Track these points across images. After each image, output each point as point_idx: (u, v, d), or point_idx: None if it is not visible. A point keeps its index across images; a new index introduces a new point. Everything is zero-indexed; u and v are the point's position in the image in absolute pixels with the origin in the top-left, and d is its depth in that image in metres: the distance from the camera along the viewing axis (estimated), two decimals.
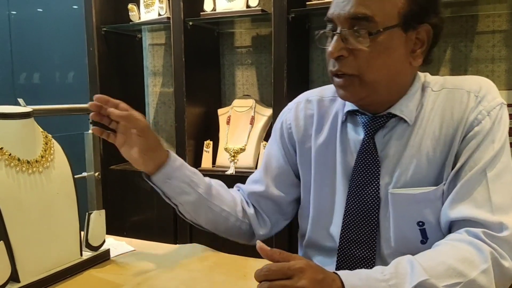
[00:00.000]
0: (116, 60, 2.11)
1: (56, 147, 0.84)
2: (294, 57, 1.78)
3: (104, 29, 2.03)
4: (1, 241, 0.70)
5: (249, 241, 0.97)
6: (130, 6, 2.03)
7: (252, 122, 1.89)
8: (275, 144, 0.95)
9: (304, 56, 1.94)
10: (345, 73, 0.75)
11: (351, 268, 0.80)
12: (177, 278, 0.81)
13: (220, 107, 2.06)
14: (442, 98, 0.78)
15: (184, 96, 1.88)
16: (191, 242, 1.05)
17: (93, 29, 2.00)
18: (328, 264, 0.84)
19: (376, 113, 0.80)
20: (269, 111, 1.89)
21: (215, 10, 1.87)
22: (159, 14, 1.96)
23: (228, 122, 1.96)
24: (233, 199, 0.94)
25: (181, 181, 0.86)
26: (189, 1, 1.87)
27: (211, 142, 1.94)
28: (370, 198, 0.79)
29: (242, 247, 0.97)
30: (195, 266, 0.87)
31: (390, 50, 0.74)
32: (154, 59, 2.29)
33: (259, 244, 0.63)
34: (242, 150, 1.88)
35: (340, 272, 0.63)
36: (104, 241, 0.91)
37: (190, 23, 1.88)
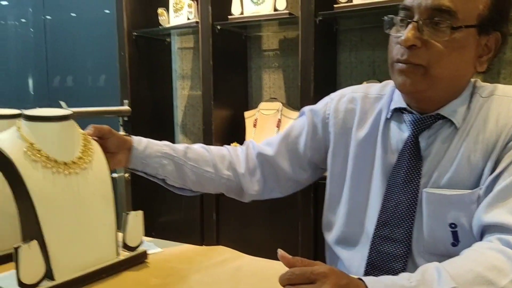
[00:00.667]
0: (146, 64, 2.16)
1: (96, 148, 0.85)
2: (321, 59, 1.78)
3: (135, 33, 2.08)
4: (35, 240, 0.72)
5: (239, 197, 1.02)
6: (159, 11, 2.07)
7: (278, 125, 1.90)
8: (304, 123, 0.96)
9: (331, 58, 1.93)
10: (411, 63, 0.75)
11: (382, 265, 0.80)
12: (203, 280, 0.82)
13: (247, 110, 2.07)
14: (490, 104, 0.77)
15: (211, 99, 1.91)
16: (217, 243, 1.07)
17: (124, 34, 2.05)
18: (357, 260, 0.84)
19: (423, 112, 0.80)
20: (296, 114, 1.89)
21: (242, 14, 1.89)
22: (188, 19, 1.99)
23: (254, 125, 1.97)
24: (216, 160, 0.98)
25: (155, 157, 0.92)
26: (218, 5, 1.90)
27: (238, 145, 1.96)
28: (409, 197, 0.79)
29: (268, 251, 0.98)
30: (221, 268, 0.88)
31: (463, 50, 0.74)
32: (182, 63, 2.32)
33: (280, 252, 0.64)
34: None
35: (365, 278, 0.63)
36: (141, 242, 0.91)
37: (218, 27, 1.90)
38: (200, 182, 0.97)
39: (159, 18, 2.08)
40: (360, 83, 1.80)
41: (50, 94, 3.23)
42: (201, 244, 1.31)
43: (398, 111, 0.83)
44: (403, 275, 0.64)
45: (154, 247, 0.99)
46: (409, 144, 0.80)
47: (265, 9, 1.83)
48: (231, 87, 2.05)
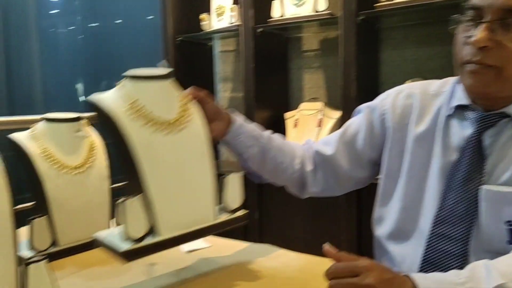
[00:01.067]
0: (189, 68, 2.22)
1: (194, 109, 0.85)
2: (363, 59, 1.77)
3: (179, 38, 2.15)
4: (140, 195, 0.75)
5: (300, 193, 1.04)
6: (202, 16, 2.13)
7: (320, 124, 1.90)
8: (362, 120, 0.96)
9: (373, 57, 1.92)
10: (484, 63, 0.75)
11: (439, 262, 0.79)
12: (250, 275, 0.85)
13: (288, 110, 2.09)
14: None
15: (253, 100, 1.94)
16: (260, 241, 1.09)
17: (169, 39, 2.12)
18: (410, 256, 0.84)
19: (488, 110, 0.79)
20: (337, 114, 1.89)
21: (283, 16, 1.91)
22: (230, 22, 2.03)
23: (295, 125, 1.99)
24: (292, 153, 0.99)
25: (247, 136, 0.94)
26: (259, 8, 1.93)
27: None
28: (469, 195, 0.78)
29: (311, 250, 1.00)
30: (267, 264, 0.90)
31: None
32: (224, 66, 2.38)
33: (325, 247, 0.66)
34: None
35: (413, 275, 0.64)
36: (241, 205, 0.89)
37: (259, 29, 1.93)
38: (275, 171, 0.99)
39: (201, 23, 2.14)
40: (404, 81, 1.78)
41: None
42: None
43: (460, 108, 0.82)
44: (452, 272, 0.64)
45: (202, 243, 1.03)
46: (472, 141, 0.79)
47: (306, 11, 1.85)
48: (272, 88, 2.08)
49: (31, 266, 0.69)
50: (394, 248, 0.88)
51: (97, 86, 3.42)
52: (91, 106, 0.76)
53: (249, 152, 0.95)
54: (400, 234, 0.87)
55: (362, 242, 1.69)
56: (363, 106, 0.98)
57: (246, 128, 0.95)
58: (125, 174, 0.78)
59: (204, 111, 0.85)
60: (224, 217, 0.85)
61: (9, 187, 0.69)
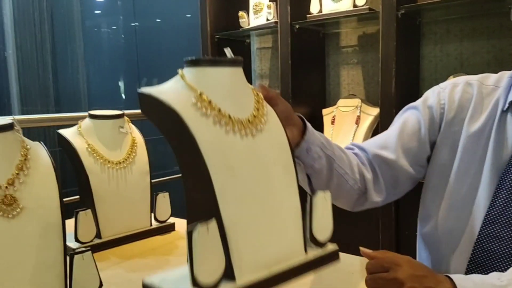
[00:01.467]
0: None
1: (268, 107, 0.67)
2: (403, 54, 1.73)
3: (217, 36, 2.17)
4: (214, 220, 0.52)
5: (356, 206, 0.91)
6: (240, 13, 2.14)
7: (357, 121, 1.87)
8: (419, 117, 0.89)
9: (414, 53, 1.87)
10: None
11: (486, 263, 0.77)
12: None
13: (325, 107, 2.07)
14: None
15: (290, 97, 1.94)
16: None
17: (208, 37, 2.15)
18: (457, 256, 0.81)
19: None
20: (375, 110, 1.85)
21: (321, 12, 1.89)
22: (267, 19, 2.04)
23: (332, 122, 1.97)
24: (349, 160, 0.86)
25: (317, 145, 0.80)
26: (296, 5, 1.92)
27: None
28: None
29: (348, 250, 0.99)
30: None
31: None
32: (261, 62, 2.38)
33: (362, 249, 0.67)
34: None
35: (453, 276, 0.62)
36: (331, 235, 0.68)
37: (297, 26, 1.92)
38: (340, 185, 0.84)
39: (239, 20, 2.16)
40: (446, 77, 1.72)
41: None
42: None
43: None
44: (493, 274, 0.62)
45: None
46: None
47: (344, 6, 1.82)
48: (309, 84, 2.06)
49: (76, 257, 0.72)
50: (440, 247, 0.85)
51: (138, 84, 3.52)
52: (145, 99, 0.60)
53: (318, 165, 0.80)
54: (448, 232, 0.84)
55: (400, 242, 1.66)
56: (418, 104, 0.91)
57: (315, 135, 0.80)
58: (186, 181, 0.60)
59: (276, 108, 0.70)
60: (315, 252, 0.64)
61: (58, 181, 0.73)
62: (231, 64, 0.63)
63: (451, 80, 0.91)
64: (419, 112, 0.90)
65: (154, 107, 0.59)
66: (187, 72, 0.61)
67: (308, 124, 0.80)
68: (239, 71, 0.64)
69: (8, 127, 0.70)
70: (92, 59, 3.52)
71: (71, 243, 0.99)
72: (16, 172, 0.69)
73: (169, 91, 0.60)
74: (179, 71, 0.62)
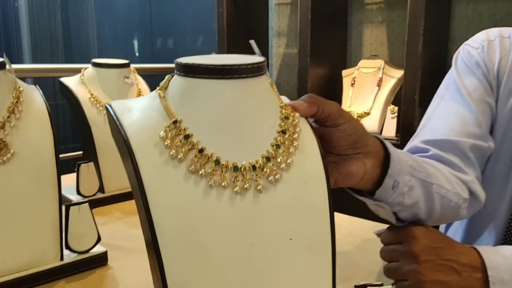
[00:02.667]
0: (243, 21, 2.14)
1: (306, 134, 0.46)
2: (433, 13, 1.60)
3: None
4: None
5: (469, 214, 0.69)
6: None
7: (379, 84, 1.77)
8: (480, 81, 0.71)
9: (444, 11, 1.73)
10: None
11: None
12: None
13: (345, 68, 1.97)
14: None
15: (308, 56, 1.83)
16: None
17: None
18: (490, 230, 0.73)
19: None
20: (399, 73, 1.75)
21: None
22: None
23: (352, 84, 1.87)
24: (441, 173, 0.64)
25: (406, 174, 0.57)
26: None
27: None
28: None
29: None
30: None
31: None
32: (279, 19, 2.27)
33: (376, 232, 0.62)
34: (367, 113, 1.78)
35: (480, 247, 0.55)
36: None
37: None
38: (443, 209, 0.62)
39: None
40: None
41: (154, 55, 3.39)
42: None
43: None
44: None
45: None
46: None
47: None
48: (329, 44, 1.95)
49: (72, 208, 0.68)
50: (469, 231, 0.77)
51: (152, 44, 3.43)
52: (109, 115, 0.44)
53: (409, 201, 0.58)
54: (478, 217, 0.73)
55: None
56: (472, 64, 0.72)
57: (401, 159, 0.57)
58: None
59: (331, 141, 0.50)
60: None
61: (53, 126, 0.67)
62: (249, 72, 0.41)
63: (485, 31, 0.76)
64: (479, 93, 0.70)
65: (115, 131, 0.43)
66: (176, 82, 0.43)
67: (391, 149, 0.56)
68: (259, 84, 0.43)
69: None
70: (104, 16, 3.43)
71: (73, 196, 0.96)
72: (7, 115, 0.64)
73: (137, 115, 0.42)
74: (167, 79, 0.44)
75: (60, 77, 1.02)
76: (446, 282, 0.53)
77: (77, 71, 1.05)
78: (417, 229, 0.56)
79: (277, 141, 0.42)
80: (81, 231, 0.68)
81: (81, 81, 1.01)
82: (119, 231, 0.84)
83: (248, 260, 0.40)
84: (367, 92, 1.81)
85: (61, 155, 1.52)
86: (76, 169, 0.95)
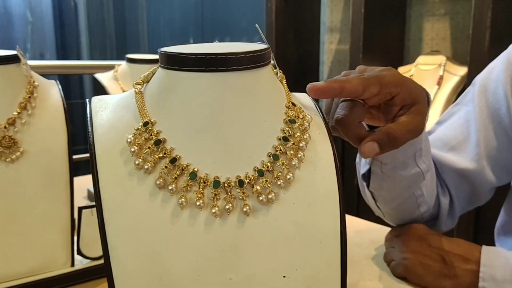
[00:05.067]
0: (293, 17, 2.05)
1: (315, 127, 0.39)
2: (501, 4, 1.43)
3: None
4: None
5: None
6: None
7: (439, 82, 1.62)
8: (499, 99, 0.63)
9: None
10: None
11: None
12: None
13: (402, 64, 1.83)
14: None
15: (360, 52, 1.72)
16: None
17: None
18: None
19: None
20: (463, 70, 1.59)
21: None
22: None
23: None
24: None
25: (410, 150, 0.55)
26: None
27: None
28: None
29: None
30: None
31: None
32: (332, 14, 2.16)
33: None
34: None
35: (485, 246, 0.55)
36: None
37: None
38: (406, 209, 0.63)
39: None
40: None
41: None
42: None
43: None
44: None
45: None
46: None
47: None
48: (385, 39, 1.82)
49: (85, 211, 0.64)
50: (503, 245, 0.69)
51: (202, 41, 3.43)
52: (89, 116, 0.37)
53: (400, 174, 0.57)
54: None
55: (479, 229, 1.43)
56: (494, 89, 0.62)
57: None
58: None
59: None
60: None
61: (68, 124, 0.63)
62: (241, 63, 0.33)
63: None
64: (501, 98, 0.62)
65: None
66: (157, 76, 0.36)
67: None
68: (257, 78, 0.35)
69: (12, 59, 0.61)
70: (160, 13, 3.49)
71: None
72: (18, 111, 0.61)
73: (109, 114, 0.36)
74: (142, 79, 0.37)
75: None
76: (430, 265, 0.55)
77: (113, 68, 1.03)
78: (415, 224, 0.61)
79: (276, 151, 0.33)
80: (94, 235, 0.64)
81: (115, 77, 0.98)
82: None
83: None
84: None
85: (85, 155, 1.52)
86: None
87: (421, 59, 1.72)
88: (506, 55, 0.65)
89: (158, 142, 0.32)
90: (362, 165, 0.60)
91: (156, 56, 1.02)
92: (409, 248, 0.58)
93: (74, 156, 0.65)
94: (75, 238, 0.64)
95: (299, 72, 2.12)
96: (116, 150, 0.33)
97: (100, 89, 0.99)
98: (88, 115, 0.35)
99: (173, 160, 0.32)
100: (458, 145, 0.64)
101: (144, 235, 0.31)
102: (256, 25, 0.38)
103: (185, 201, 0.31)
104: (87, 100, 0.37)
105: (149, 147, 0.32)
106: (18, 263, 0.59)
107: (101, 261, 0.65)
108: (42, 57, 2.70)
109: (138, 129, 0.33)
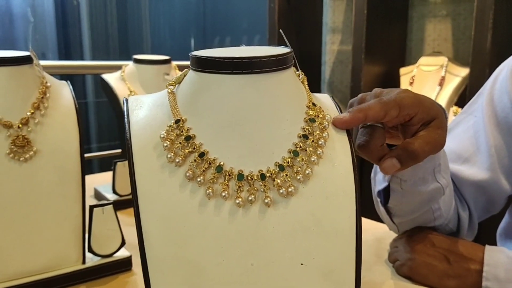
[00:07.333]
0: (296, 17, 2.06)
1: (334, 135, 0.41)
2: (503, 4, 1.44)
3: None
4: None
5: None
6: None
7: (441, 83, 1.63)
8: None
9: None
10: None
11: None
12: None
13: (404, 65, 1.84)
14: None
15: (362, 52, 1.73)
16: None
17: None
18: None
19: None
20: (464, 71, 1.60)
21: None
22: None
23: (411, 83, 1.73)
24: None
25: (429, 165, 0.55)
26: None
27: None
28: None
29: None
30: None
31: None
32: (334, 15, 2.17)
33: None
34: None
35: (489, 246, 0.56)
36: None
37: None
38: (423, 221, 0.63)
39: None
40: None
41: None
42: None
43: None
44: None
45: None
46: None
47: None
48: (387, 39, 1.83)
49: (96, 210, 0.65)
50: (505, 247, 0.67)
51: (206, 41, 3.44)
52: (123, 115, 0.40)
53: (419, 189, 0.56)
54: None
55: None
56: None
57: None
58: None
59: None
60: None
61: (80, 124, 0.64)
62: (266, 66, 0.35)
63: None
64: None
65: (123, 128, 0.39)
66: (189, 78, 0.38)
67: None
68: (280, 79, 0.36)
69: (25, 59, 0.62)
70: (160, 13, 3.49)
71: (109, 195, 0.94)
72: (32, 111, 0.62)
73: (145, 112, 0.38)
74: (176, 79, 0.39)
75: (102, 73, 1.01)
76: (434, 265, 0.56)
77: (120, 68, 1.04)
78: (418, 242, 0.60)
79: (296, 147, 0.35)
80: (105, 234, 0.65)
81: (122, 78, 0.99)
82: None
83: (246, 284, 0.34)
84: (428, 92, 1.67)
85: (101, 153, 1.53)
86: (112, 167, 0.93)
87: (423, 60, 1.73)
88: (510, 63, 0.66)
89: (188, 138, 0.35)
90: (378, 181, 0.60)
91: (161, 57, 1.03)
92: (413, 249, 0.59)
93: None
94: (86, 235, 0.65)
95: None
96: (150, 145, 0.36)
97: (107, 89, 1.00)
98: (125, 113, 0.38)
99: (202, 155, 0.34)
100: (471, 157, 0.65)
101: (174, 223, 0.34)
102: (280, 30, 0.42)
103: (212, 192, 0.34)
104: (124, 99, 0.41)
105: (180, 142, 0.35)
106: (30, 261, 0.60)
107: (112, 259, 0.66)
108: (43, 57, 2.70)
109: (170, 126, 0.36)
